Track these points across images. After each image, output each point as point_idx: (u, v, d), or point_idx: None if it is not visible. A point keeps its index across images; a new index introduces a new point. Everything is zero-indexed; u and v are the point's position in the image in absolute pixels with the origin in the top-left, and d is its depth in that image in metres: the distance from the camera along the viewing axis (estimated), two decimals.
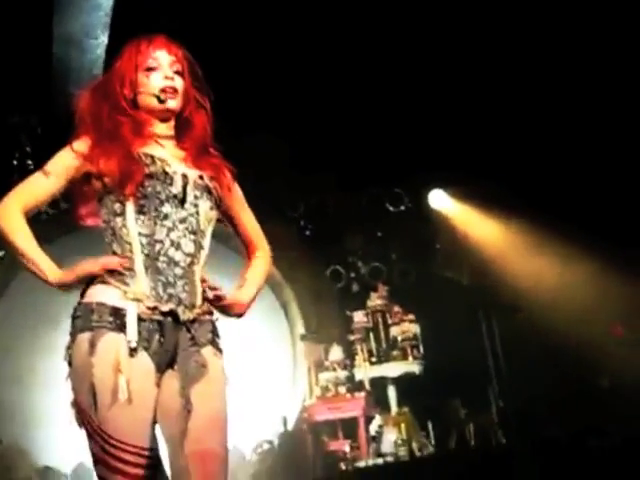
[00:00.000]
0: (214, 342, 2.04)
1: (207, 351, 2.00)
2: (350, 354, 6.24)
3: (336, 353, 6.15)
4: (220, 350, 2.06)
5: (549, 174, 6.14)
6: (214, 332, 2.07)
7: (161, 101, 2.08)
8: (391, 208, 6.93)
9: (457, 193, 6.82)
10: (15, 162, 5.24)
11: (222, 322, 2.16)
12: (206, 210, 2.09)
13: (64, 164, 2.01)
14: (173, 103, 2.10)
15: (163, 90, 2.08)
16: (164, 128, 2.13)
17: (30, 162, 5.20)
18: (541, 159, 6.13)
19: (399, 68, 5.64)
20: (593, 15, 5.04)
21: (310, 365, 6.20)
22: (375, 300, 6.36)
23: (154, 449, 1.88)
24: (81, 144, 2.01)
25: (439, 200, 6.91)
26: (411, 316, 6.33)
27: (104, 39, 4.51)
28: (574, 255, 6.02)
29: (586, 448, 4.61)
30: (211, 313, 2.09)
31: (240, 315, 2.13)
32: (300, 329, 6.46)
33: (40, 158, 5.42)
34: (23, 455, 5.35)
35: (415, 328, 6.31)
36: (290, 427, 5.96)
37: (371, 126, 6.07)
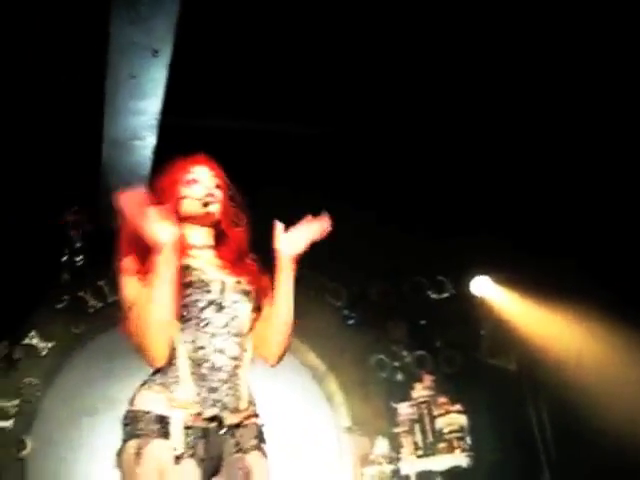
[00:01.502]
0: (259, 447, 2.05)
1: (252, 456, 2.01)
2: (396, 447, 6.11)
3: (382, 446, 6.03)
4: (265, 455, 2.07)
5: (598, 262, 6.03)
6: (259, 437, 2.09)
7: (205, 204, 2.19)
8: (434, 296, 6.90)
9: (501, 279, 6.76)
10: (65, 259, 5.38)
11: (265, 415, 2.17)
12: (247, 313, 2.15)
13: (137, 289, 2.07)
14: (214, 207, 2.21)
15: (206, 195, 2.19)
16: (203, 237, 2.23)
17: (79, 259, 5.34)
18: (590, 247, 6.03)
19: (434, 154, 5.72)
20: None
21: (355, 459, 6.08)
22: (420, 391, 6.25)
23: None
24: (129, 264, 2.08)
25: (483, 286, 6.86)
26: (458, 406, 6.18)
27: (151, 140, 4.68)
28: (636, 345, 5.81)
29: None
30: (256, 416, 2.11)
31: None
32: (345, 421, 6.36)
33: (89, 254, 5.57)
34: None
35: (462, 419, 6.16)
36: None
37: (410, 215, 6.11)
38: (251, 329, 2.18)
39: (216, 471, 1.99)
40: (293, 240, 2.22)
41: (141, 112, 4.50)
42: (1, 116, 4.86)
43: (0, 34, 4.31)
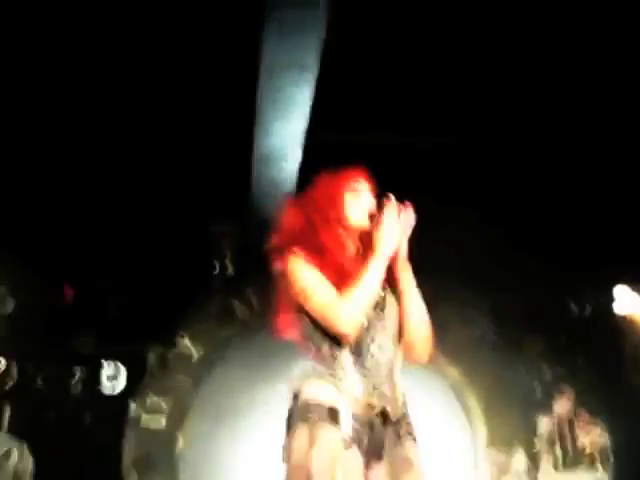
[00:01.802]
0: (412, 433, 2.19)
1: (409, 446, 2.14)
2: (534, 462, 6.05)
3: (520, 461, 5.99)
4: (416, 441, 2.20)
5: None
6: (413, 431, 2.22)
7: (371, 217, 2.30)
8: (575, 311, 6.77)
9: None
10: (216, 271, 5.70)
11: None
12: (397, 315, 2.28)
13: (320, 276, 2.19)
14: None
15: (371, 208, 2.32)
16: (352, 244, 2.36)
17: (230, 266, 5.66)
18: None
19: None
20: None
21: (493, 472, 6.07)
22: (562, 405, 6.17)
23: None
24: (301, 255, 2.23)
25: (627, 302, 6.67)
26: (600, 423, 6.07)
27: (298, 156, 4.92)
28: None
29: None
30: (407, 416, 2.24)
31: None
32: (483, 434, 6.36)
33: (241, 262, 5.87)
34: None
35: (604, 436, 6.03)
36: None
37: (555, 230, 6.05)
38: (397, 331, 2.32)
39: (377, 460, 2.12)
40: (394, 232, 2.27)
41: (288, 128, 4.73)
42: (161, 134, 5.25)
43: (154, 55, 4.67)
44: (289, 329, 2.33)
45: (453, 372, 6.47)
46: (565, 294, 6.81)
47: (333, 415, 2.07)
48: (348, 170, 2.40)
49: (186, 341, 6.25)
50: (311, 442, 2.04)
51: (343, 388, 2.12)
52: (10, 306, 5.69)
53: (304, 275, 2.18)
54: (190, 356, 6.24)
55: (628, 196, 5.85)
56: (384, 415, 2.14)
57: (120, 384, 5.99)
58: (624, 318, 6.70)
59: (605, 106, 5.00)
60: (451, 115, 5.24)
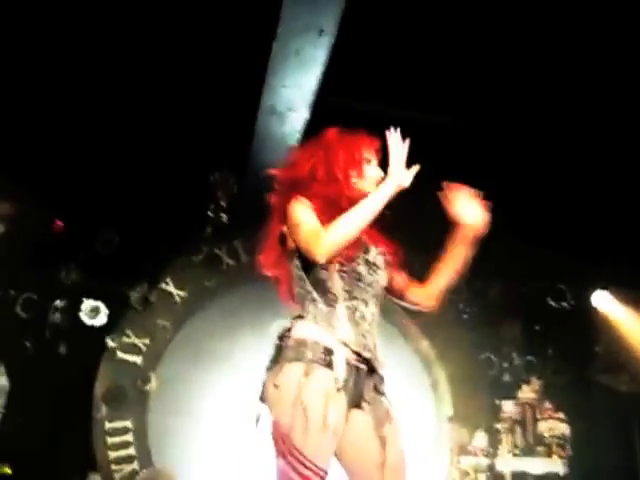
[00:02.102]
0: (387, 393, 2.30)
1: (385, 400, 2.25)
2: (494, 443, 6.20)
3: (480, 439, 6.14)
4: (390, 401, 2.30)
5: None
6: (385, 385, 2.32)
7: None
8: (552, 303, 6.90)
9: (625, 295, 6.69)
10: (210, 214, 5.78)
11: None
12: (384, 279, 2.39)
13: (313, 216, 2.29)
14: None
15: (379, 178, 2.41)
16: None
17: (224, 216, 5.72)
18: None
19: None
20: None
21: (453, 447, 6.22)
22: (527, 392, 6.32)
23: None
24: (306, 202, 2.31)
25: (604, 301, 6.81)
26: (561, 415, 6.21)
27: (305, 114, 4.97)
28: None
29: None
30: (382, 367, 2.35)
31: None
32: (447, 410, 6.50)
33: (233, 213, 5.95)
34: None
35: (564, 428, 6.18)
36: None
37: (540, 223, 6.15)
38: (381, 293, 2.42)
39: (355, 405, 2.23)
40: (473, 210, 2.45)
41: (300, 86, 4.78)
42: (168, 76, 5.28)
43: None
44: (273, 267, 2.43)
45: (425, 345, 6.59)
46: (546, 286, 6.94)
47: (328, 355, 2.17)
48: (366, 135, 2.48)
49: (170, 285, 6.32)
50: (306, 377, 2.12)
51: (337, 333, 2.22)
52: None
53: (301, 214, 2.27)
54: (172, 299, 6.32)
55: (614, 199, 5.96)
56: (369, 364, 2.24)
57: (100, 320, 6.08)
58: (600, 317, 6.84)
59: (597, 121, 5.10)
60: (457, 95, 5.30)
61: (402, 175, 2.27)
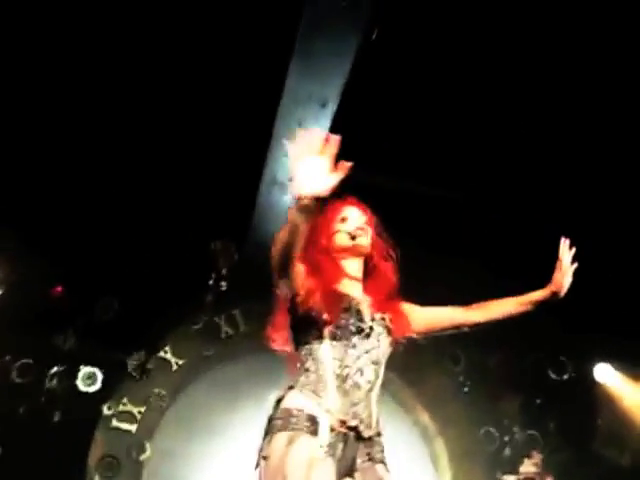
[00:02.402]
0: (385, 461, 2.26)
1: (380, 468, 2.23)
2: None
3: None
4: (388, 470, 2.27)
5: None
6: (384, 452, 2.30)
7: (353, 237, 2.49)
8: (553, 376, 6.84)
9: (626, 368, 6.64)
10: (211, 282, 5.78)
11: None
12: (386, 345, 2.39)
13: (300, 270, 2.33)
14: (363, 240, 2.48)
15: (355, 229, 2.50)
16: (354, 270, 2.50)
17: (224, 284, 5.73)
18: None
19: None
20: None
21: None
22: (528, 467, 6.19)
23: None
24: (300, 267, 2.34)
25: (605, 373, 6.75)
26: None
27: None
28: None
29: None
30: (380, 435, 2.33)
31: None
32: None
33: (233, 282, 5.93)
34: None
35: None
36: None
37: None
38: (384, 359, 2.42)
39: (347, 474, 2.21)
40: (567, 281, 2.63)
41: None
42: (172, 143, 5.36)
43: (187, 76, 4.81)
44: (280, 342, 2.47)
45: (426, 418, 6.51)
46: (546, 359, 6.88)
47: (312, 423, 2.17)
48: (337, 201, 2.54)
49: (168, 353, 6.28)
50: (289, 448, 2.13)
51: (324, 403, 2.21)
52: None
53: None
54: (170, 367, 6.27)
55: (617, 273, 5.97)
56: (357, 432, 2.23)
57: (96, 387, 6.02)
58: (601, 390, 6.77)
59: (599, 166, 5.15)
60: (458, 171, 5.38)
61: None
